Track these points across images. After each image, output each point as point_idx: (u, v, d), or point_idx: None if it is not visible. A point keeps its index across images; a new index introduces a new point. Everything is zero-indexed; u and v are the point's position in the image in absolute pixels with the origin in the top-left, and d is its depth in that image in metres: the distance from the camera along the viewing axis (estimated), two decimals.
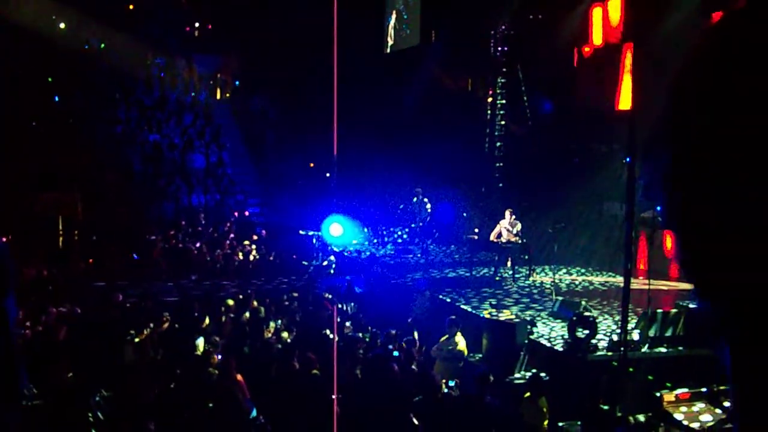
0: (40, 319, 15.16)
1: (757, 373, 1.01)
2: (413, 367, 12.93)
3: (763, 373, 1.00)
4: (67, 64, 29.74)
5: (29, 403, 10.30)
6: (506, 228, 19.59)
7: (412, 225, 24.13)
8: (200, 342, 13.99)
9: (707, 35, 1.09)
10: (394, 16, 29.26)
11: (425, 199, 23.12)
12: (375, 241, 25.04)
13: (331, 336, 13.91)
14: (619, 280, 17.04)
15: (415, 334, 14.60)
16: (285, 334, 14.52)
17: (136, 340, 14.13)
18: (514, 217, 19.75)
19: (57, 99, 29.15)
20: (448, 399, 11.41)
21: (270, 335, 14.62)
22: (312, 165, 29.37)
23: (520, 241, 19.64)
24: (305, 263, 22.36)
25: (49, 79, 29.77)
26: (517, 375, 14.05)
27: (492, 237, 19.89)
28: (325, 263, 22.03)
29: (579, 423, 11.43)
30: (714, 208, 0.98)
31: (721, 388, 12.13)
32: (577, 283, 20.05)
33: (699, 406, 11.89)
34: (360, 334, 15.00)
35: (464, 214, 24.88)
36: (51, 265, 20.79)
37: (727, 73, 1.00)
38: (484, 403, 10.89)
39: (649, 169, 1.10)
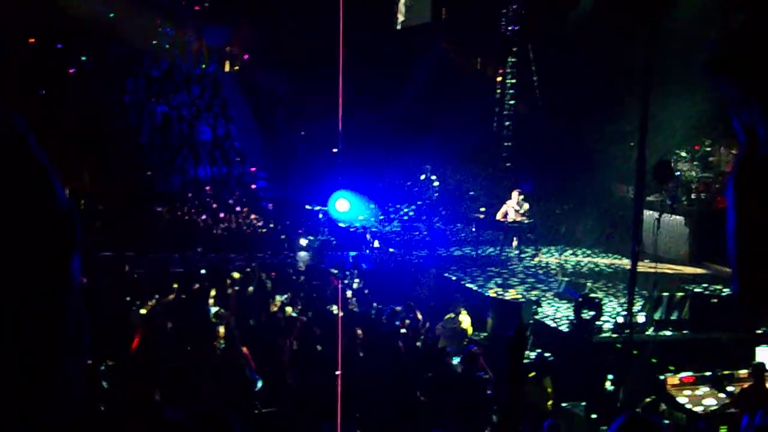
0: None
1: None
2: (418, 344, 12.96)
3: None
4: (75, 32, 29.59)
5: None
6: (513, 208, 19.53)
7: (419, 202, 24.08)
8: (213, 311, 14.09)
9: None
10: None
11: (433, 177, 23.05)
12: (381, 217, 25.00)
13: (336, 311, 13.94)
14: (626, 262, 17.00)
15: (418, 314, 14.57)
16: (289, 309, 14.52)
17: (142, 310, 14.16)
18: (521, 197, 19.68)
19: (73, 70, 28.97)
20: (454, 376, 11.44)
21: (276, 309, 14.63)
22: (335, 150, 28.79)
23: (526, 221, 19.59)
24: (311, 238, 22.34)
25: (58, 46, 29.65)
26: None
27: (498, 216, 19.85)
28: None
29: (583, 404, 11.47)
30: None
31: (725, 372, 12.15)
32: (582, 264, 20.03)
33: (703, 389, 11.89)
34: (365, 311, 15.02)
35: (471, 193, 24.81)
36: None
37: None
38: (488, 381, 10.92)
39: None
